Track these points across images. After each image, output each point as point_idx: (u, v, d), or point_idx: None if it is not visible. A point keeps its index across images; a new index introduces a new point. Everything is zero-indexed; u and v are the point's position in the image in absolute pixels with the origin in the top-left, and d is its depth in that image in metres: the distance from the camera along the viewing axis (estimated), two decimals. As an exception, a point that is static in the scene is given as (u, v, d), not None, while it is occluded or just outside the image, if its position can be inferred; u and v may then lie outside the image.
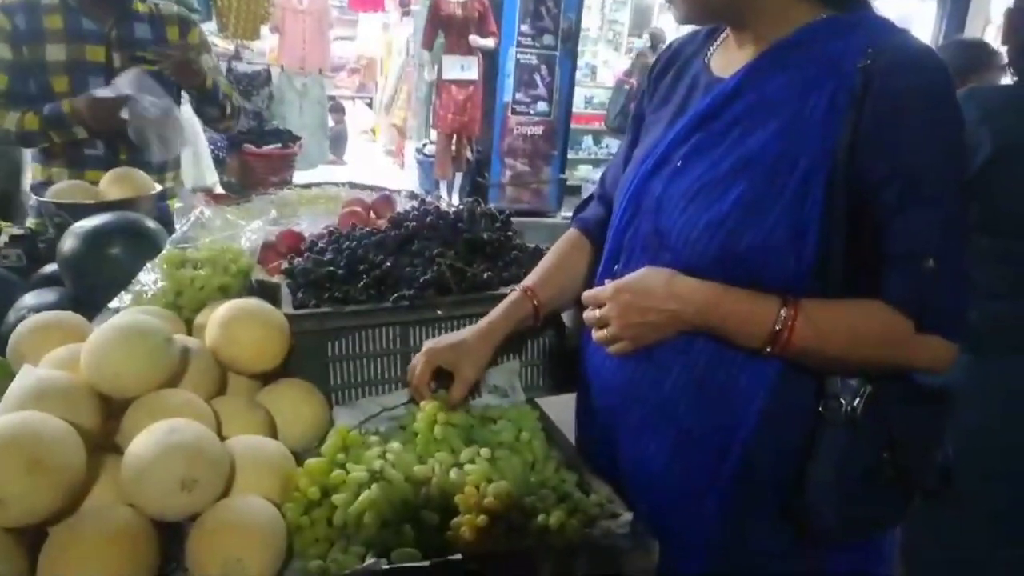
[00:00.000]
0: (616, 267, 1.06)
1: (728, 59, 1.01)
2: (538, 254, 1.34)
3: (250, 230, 1.32)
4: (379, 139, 9.56)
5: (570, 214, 5.12)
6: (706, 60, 1.05)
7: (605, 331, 0.99)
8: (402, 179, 7.56)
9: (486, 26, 5.84)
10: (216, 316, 1.09)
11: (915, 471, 0.92)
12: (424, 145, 6.76)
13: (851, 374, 0.90)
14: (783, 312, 0.87)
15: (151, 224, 1.38)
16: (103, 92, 1.89)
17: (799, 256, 0.88)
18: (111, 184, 1.61)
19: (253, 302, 1.13)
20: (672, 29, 9.75)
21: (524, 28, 6.08)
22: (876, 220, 0.86)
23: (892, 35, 0.88)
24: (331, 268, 1.24)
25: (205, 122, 2.35)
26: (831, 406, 0.89)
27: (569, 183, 7.12)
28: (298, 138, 6.27)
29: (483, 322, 1.14)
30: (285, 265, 1.33)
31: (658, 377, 0.99)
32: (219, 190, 5.58)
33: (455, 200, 6.40)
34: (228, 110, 2.22)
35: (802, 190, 0.87)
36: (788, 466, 0.92)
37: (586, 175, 7.69)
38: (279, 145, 6.07)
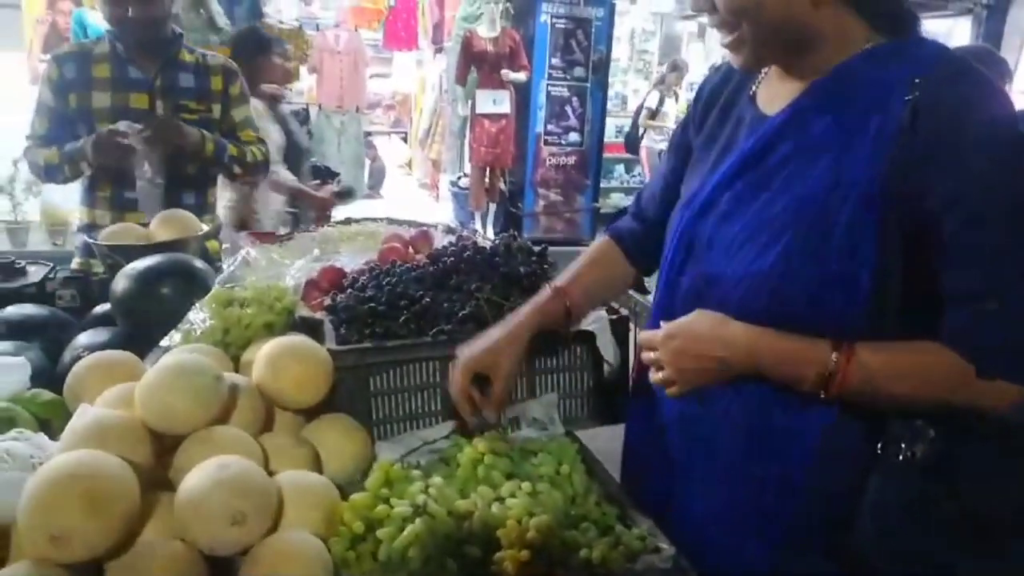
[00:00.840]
0: (668, 308, 1.04)
1: (774, 92, 0.98)
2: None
3: (294, 269, 1.35)
4: (414, 172, 9.71)
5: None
6: (752, 93, 1.02)
7: (660, 374, 1.00)
8: (437, 211, 7.66)
9: (517, 61, 5.93)
10: (262, 353, 1.12)
11: (989, 510, 0.88)
12: (459, 178, 6.85)
13: (913, 415, 0.87)
14: (835, 357, 0.86)
15: (199, 264, 1.43)
16: (112, 127, 1.92)
17: (852, 298, 0.86)
18: (160, 226, 1.68)
19: (297, 339, 1.16)
20: (698, 59, 9.79)
21: (555, 61, 6.17)
22: (933, 255, 0.84)
23: (939, 62, 0.85)
24: (372, 304, 1.27)
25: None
26: (891, 451, 0.87)
27: (602, 211, 7.13)
28: (337, 174, 6.39)
29: (512, 321, 1.13)
30: (327, 301, 1.37)
31: (710, 416, 0.99)
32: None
33: (490, 231, 6.46)
34: (236, 169, 2.23)
35: (853, 228, 0.85)
36: (839, 508, 0.91)
37: (618, 203, 7.70)
38: (318, 182, 6.19)
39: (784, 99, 0.95)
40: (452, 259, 1.37)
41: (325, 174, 6.40)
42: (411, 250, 1.83)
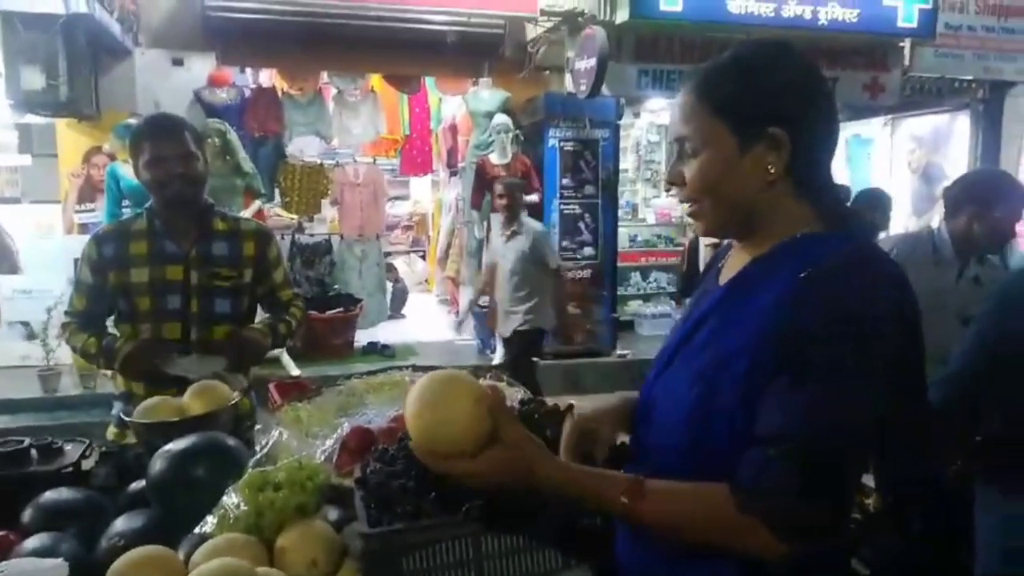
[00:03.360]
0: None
1: (731, 267, 1.13)
2: (619, 450, 1.36)
3: (326, 443, 1.38)
4: (434, 290, 9.89)
5: (625, 352, 5.21)
6: (720, 267, 1.18)
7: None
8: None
9: (530, 184, 6.15)
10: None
11: None
12: (478, 296, 6.95)
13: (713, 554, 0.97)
14: (623, 499, 0.97)
15: (232, 443, 1.47)
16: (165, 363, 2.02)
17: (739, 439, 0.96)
18: (194, 398, 1.72)
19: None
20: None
21: (565, 181, 6.40)
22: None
23: (836, 250, 0.97)
24: (402, 480, 1.28)
25: None
26: None
27: (621, 319, 7.18)
28: (359, 301, 6.55)
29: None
30: (358, 473, 1.38)
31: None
32: (286, 358, 5.81)
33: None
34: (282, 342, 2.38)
35: (743, 383, 0.96)
36: None
37: (637, 310, 7.77)
38: (341, 309, 6.34)
39: (731, 273, 1.11)
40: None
41: (348, 301, 6.57)
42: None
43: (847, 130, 8.08)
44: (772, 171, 1.01)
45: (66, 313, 2.22)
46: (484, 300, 6.79)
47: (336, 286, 6.76)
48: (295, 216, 6.67)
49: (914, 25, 6.25)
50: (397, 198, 11.04)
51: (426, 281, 10.69)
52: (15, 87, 5.00)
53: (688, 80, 1.08)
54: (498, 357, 6.36)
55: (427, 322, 8.27)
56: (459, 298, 8.16)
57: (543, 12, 6.16)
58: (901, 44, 6.63)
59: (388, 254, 8.72)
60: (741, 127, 1.02)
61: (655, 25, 5.99)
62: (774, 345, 0.93)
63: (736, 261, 1.12)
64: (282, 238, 6.56)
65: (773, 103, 1.01)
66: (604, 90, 5.76)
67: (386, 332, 7.08)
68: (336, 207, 6.91)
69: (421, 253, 11.42)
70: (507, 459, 1.00)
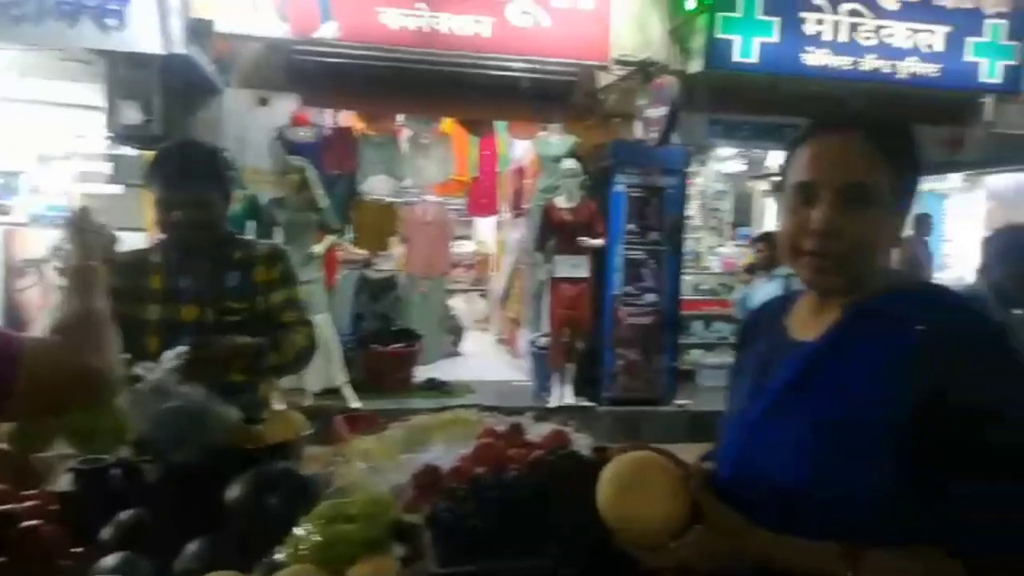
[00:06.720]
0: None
1: (807, 321, 1.11)
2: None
3: (396, 476, 1.40)
4: (492, 329, 9.95)
5: (685, 402, 5.10)
6: (784, 323, 1.15)
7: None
8: (516, 368, 7.75)
9: (595, 228, 6.16)
10: None
11: None
12: (537, 337, 6.95)
13: None
14: (850, 574, 0.92)
15: (305, 473, 1.50)
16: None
17: (877, 504, 0.95)
18: (270, 427, 1.77)
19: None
20: (771, 216, 9.92)
21: (630, 227, 6.39)
22: (945, 465, 0.92)
23: (947, 307, 1.01)
24: (474, 522, 1.28)
25: None
26: None
27: (682, 368, 7.05)
28: (420, 337, 6.63)
29: None
30: (428, 510, 1.39)
31: None
32: (347, 390, 5.90)
33: (568, 391, 6.44)
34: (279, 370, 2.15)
35: (878, 445, 0.94)
36: None
37: (697, 359, 7.61)
38: (403, 344, 6.42)
39: (818, 328, 1.07)
40: (549, 472, 1.39)
41: (408, 336, 6.67)
42: (505, 444, 1.88)
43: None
44: (900, 234, 1.06)
45: None
46: (542, 341, 6.80)
47: (399, 321, 6.86)
48: (363, 252, 6.84)
49: (999, 80, 6.10)
50: (461, 237, 11.21)
51: (485, 320, 10.76)
52: (114, 121, 5.31)
53: (856, 126, 1.04)
54: (555, 399, 6.32)
55: (485, 361, 8.30)
56: (518, 339, 8.19)
57: (616, 61, 6.24)
58: (983, 99, 6.46)
59: (451, 292, 8.83)
60: (907, 185, 1.05)
61: (728, 76, 6.00)
62: (920, 395, 0.93)
63: (818, 315, 1.09)
64: (350, 272, 6.74)
65: (919, 165, 1.07)
66: (674, 139, 5.77)
67: (444, 370, 7.13)
68: (405, 244, 7.07)
69: (481, 292, 11.54)
70: (715, 539, 1.00)
